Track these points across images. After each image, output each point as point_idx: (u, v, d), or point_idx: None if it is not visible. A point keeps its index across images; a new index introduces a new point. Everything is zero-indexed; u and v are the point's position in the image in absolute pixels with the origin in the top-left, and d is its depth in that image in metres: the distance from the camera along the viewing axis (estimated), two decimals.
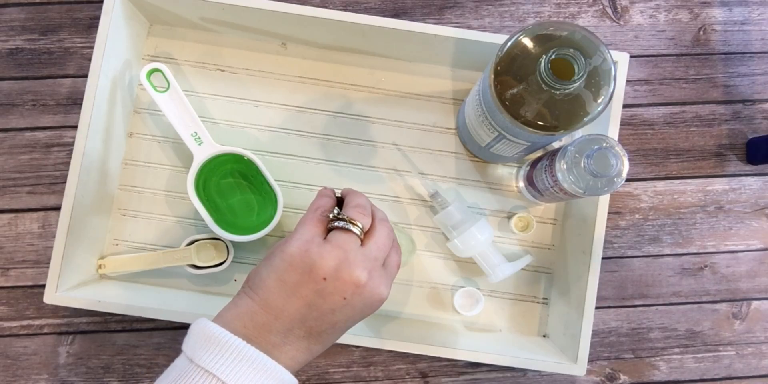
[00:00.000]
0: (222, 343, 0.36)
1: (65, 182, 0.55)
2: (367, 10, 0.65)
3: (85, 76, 0.56)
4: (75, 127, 0.57)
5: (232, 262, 0.60)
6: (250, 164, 0.58)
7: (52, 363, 0.61)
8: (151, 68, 0.56)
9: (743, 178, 0.65)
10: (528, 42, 0.44)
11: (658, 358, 0.63)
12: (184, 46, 0.63)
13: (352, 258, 0.39)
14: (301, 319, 0.38)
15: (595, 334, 0.62)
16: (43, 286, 0.55)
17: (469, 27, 0.66)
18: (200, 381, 0.35)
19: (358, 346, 0.61)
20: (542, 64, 0.43)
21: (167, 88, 0.57)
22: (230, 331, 0.37)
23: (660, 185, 0.65)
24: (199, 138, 0.57)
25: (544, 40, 0.44)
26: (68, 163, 0.55)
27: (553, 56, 0.43)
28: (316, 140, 0.63)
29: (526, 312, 0.62)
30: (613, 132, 0.57)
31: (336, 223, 0.41)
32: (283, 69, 0.63)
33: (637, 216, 0.64)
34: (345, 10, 0.57)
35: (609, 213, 0.57)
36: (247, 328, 0.38)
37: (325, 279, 0.38)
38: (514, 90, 0.44)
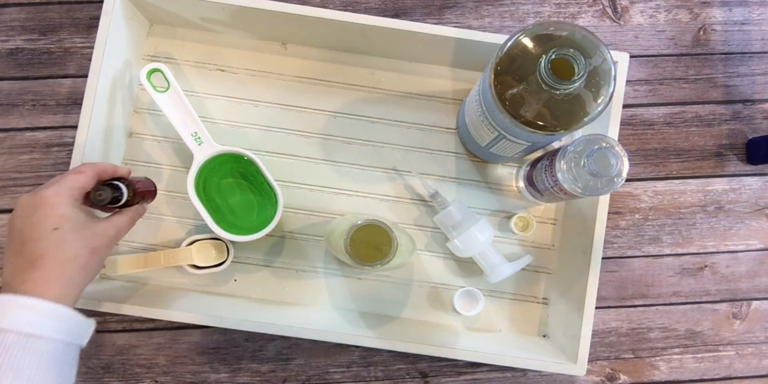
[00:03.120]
0: None
1: None
2: (367, 10, 0.65)
3: (85, 76, 0.56)
4: (75, 127, 0.56)
5: (232, 262, 0.60)
6: (250, 164, 0.58)
7: None
8: (151, 68, 0.56)
9: (743, 178, 0.65)
10: (528, 42, 0.44)
11: (658, 358, 0.63)
12: (184, 46, 0.63)
13: None
14: None
15: (595, 334, 0.62)
16: None
17: (469, 27, 0.66)
18: None
19: (358, 346, 0.61)
20: (542, 64, 0.43)
21: (167, 88, 0.57)
22: None
23: (660, 185, 0.65)
24: (199, 138, 0.57)
25: (544, 40, 0.44)
26: (68, 163, 0.55)
27: (553, 56, 0.43)
28: (316, 140, 0.63)
29: (526, 312, 0.62)
30: (613, 132, 0.57)
31: None
32: (283, 69, 0.63)
33: (637, 216, 0.64)
34: (345, 10, 0.57)
35: (609, 213, 0.57)
36: None
37: None
38: (514, 90, 0.44)
